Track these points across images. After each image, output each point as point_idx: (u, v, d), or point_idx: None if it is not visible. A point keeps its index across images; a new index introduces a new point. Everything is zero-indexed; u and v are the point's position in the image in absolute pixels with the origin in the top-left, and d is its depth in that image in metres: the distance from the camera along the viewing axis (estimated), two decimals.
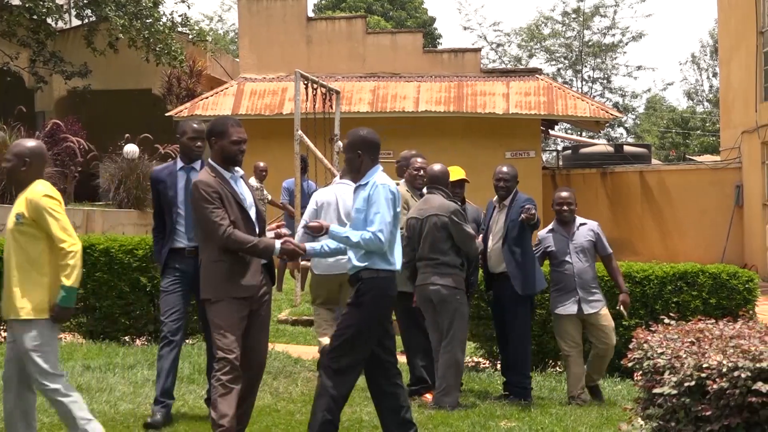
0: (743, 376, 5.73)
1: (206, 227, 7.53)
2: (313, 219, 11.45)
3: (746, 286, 11.93)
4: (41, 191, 7.28)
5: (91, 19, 30.74)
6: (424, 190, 10.83)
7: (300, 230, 10.55)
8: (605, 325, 10.56)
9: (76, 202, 25.53)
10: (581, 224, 10.74)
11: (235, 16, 64.26)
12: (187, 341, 12.68)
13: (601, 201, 29.88)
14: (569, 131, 50.94)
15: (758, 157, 27.14)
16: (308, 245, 8.01)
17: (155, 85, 31.79)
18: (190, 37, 32.06)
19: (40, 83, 30.28)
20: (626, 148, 32.89)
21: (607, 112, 28.90)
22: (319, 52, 29.26)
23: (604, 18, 57.84)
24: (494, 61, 59.44)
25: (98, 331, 12.96)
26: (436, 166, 10.52)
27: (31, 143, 7.58)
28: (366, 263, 7.78)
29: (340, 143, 16.62)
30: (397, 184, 11.74)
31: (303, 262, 11.97)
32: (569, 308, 10.53)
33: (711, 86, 63.69)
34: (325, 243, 8.04)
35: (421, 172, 10.78)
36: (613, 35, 58.46)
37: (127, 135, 23.83)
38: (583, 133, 48.10)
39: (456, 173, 10.93)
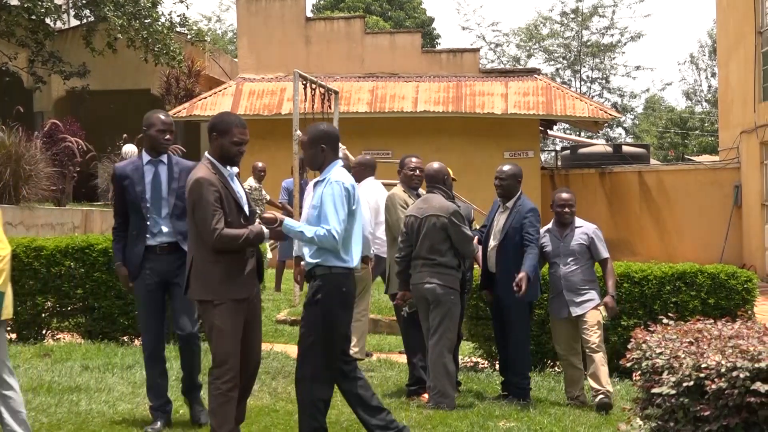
0: (742, 376, 5.74)
1: (201, 227, 7.40)
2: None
3: (745, 286, 11.92)
4: None
5: (89, 19, 30.76)
6: (420, 190, 10.89)
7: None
8: (586, 321, 10.31)
9: (75, 202, 25.53)
10: (577, 227, 10.62)
11: (234, 17, 64.45)
12: None
13: (600, 201, 29.88)
14: (568, 131, 50.97)
15: (757, 157, 27.13)
16: (286, 221, 7.82)
17: (154, 85, 31.81)
18: (189, 37, 32.08)
19: (38, 83, 30.29)
20: (625, 148, 32.87)
21: (605, 113, 28.89)
22: (317, 52, 29.26)
23: (602, 18, 57.96)
24: (493, 61, 59.55)
25: (97, 331, 12.97)
26: (434, 165, 10.55)
27: None
28: (319, 260, 7.74)
29: (339, 144, 16.59)
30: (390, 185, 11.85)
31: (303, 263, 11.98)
32: (560, 312, 10.49)
33: (709, 86, 63.81)
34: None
35: (417, 171, 10.84)
36: (612, 35, 58.59)
37: (125, 135, 23.80)
38: (582, 133, 48.11)
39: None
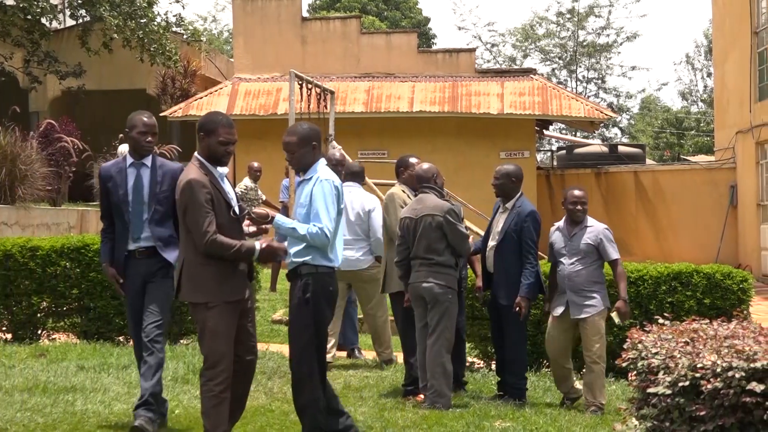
0: (737, 376, 5.74)
1: (192, 229, 7.34)
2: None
3: (740, 286, 11.92)
4: None
5: (85, 19, 30.73)
6: None
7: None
8: (588, 329, 10.15)
9: (71, 202, 25.51)
10: (588, 226, 10.39)
11: (230, 17, 64.28)
12: (181, 341, 12.69)
13: (596, 201, 29.85)
14: (564, 131, 50.94)
15: (752, 157, 27.16)
16: (277, 217, 7.84)
17: (149, 85, 31.79)
18: (185, 37, 32.06)
19: (34, 83, 30.26)
20: (621, 148, 32.90)
21: (601, 113, 28.93)
22: (313, 52, 29.26)
23: (598, 18, 57.92)
24: (489, 61, 59.53)
25: (92, 332, 12.96)
26: (423, 165, 10.56)
27: None
28: (305, 258, 7.72)
29: (335, 143, 16.62)
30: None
31: None
32: (557, 308, 10.32)
33: (705, 86, 63.77)
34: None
35: None
36: (608, 35, 58.55)
37: (121, 135, 23.70)
38: (578, 133, 48.10)
39: None
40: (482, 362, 12.51)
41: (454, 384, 10.47)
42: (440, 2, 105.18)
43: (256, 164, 19.39)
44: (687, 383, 5.92)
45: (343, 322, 12.83)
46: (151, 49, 29.61)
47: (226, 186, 7.65)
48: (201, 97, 28.78)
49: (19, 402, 9.39)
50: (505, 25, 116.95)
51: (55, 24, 31.75)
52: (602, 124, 45.05)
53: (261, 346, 12.81)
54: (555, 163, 34.50)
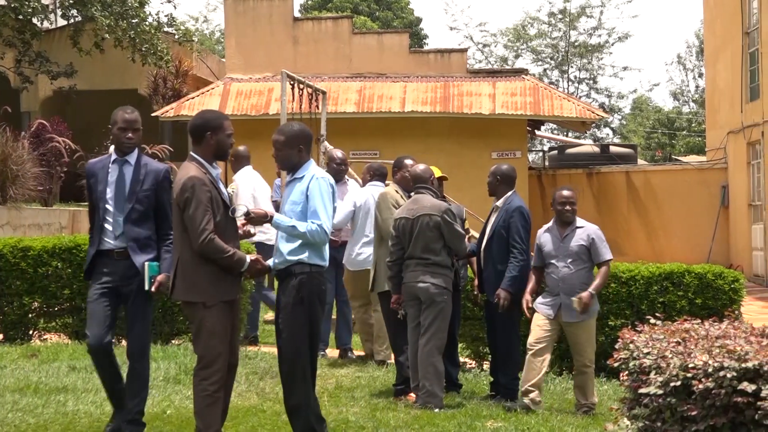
0: (729, 376, 5.75)
1: (191, 227, 7.31)
2: (348, 220, 12.07)
3: (732, 286, 11.94)
4: None
5: (76, 19, 30.67)
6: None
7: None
8: (579, 335, 10.08)
9: (62, 203, 25.48)
10: (579, 227, 10.26)
11: (221, 17, 64.24)
12: (173, 342, 12.68)
13: (587, 201, 29.89)
14: (555, 131, 50.98)
15: (744, 157, 27.20)
16: (276, 216, 7.84)
17: (141, 85, 31.75)
18: (176, 37, 32.02)
19: (25, 83, 30.21)
20: (612, 148, 32.94)
21: (593, 113, 28.95)
22: (305, 52, 29.25)
23: (590, 18, 57.95)
24: (480, 61, 59.54)
25: (84, 332, 12.90)
26: (420, 166, 10.59)
27: None
28: (299, 257, 7.72)
29: (326, 143, 16.61)
30: (387, 185, 11.91)
31: None
32: (546, 309, 10.12)
33: (697, 87, 63.86)
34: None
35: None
36: (599, 36, 58.58)
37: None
38: (569, 134, 48.12)
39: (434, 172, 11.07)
40: (474, 362, 12.52)
41: (449, 385, 10.48)
42: (432, 2, 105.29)
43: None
44: (678, 383, 5.93)
45: (337, 322, 12.85)
46: (143, 49, 29.57)
47: (221, 184, 7.66)
48: (193, 98, 28.75)
49: (11, 402, 9.38)
50: (496, 26, 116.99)
51: (46, 24, 31.69)
52: (594, 125, 45.11)
53: (253, 347, 12.87)
54: (547, 163, 34.50)
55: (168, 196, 8.17)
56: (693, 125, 60.72)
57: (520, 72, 30.06)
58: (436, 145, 26.96)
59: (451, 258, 10.20)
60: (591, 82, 60.86)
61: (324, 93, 19.25)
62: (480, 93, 28.14)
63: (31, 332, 13.22)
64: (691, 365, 5.92)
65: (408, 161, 11.06)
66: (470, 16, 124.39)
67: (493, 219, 10.54)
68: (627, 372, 6.53)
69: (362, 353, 12.95)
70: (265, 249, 12.17)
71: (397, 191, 10.95)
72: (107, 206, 8.20)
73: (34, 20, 29.68)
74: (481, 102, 27.85)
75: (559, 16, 57.68)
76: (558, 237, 10.21)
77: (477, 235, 12.16)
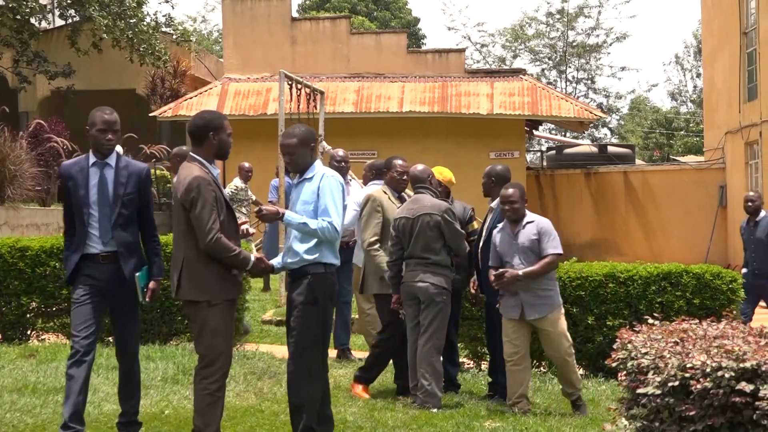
0: (727, 376, 5.75)
1: (198, 226, 7.32)
2: (356, 221, 11.90)
3: (730, 286, 11.94)
4: None
5: (74, 19, 30.68)
6: (405, 193, 10.98)
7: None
8: (551, 332, 9.89)
9: (60, 203, 25.45)
10: (528, 222, 9.96)
11: (219, 17, 64.23)
12: (171, 342, 12.67)
13: (586, 201, 29.94)
14: (553, 131, 51.01)
15: (742, 157, 27.22)
16: (287, 213, 7.87)
17: (139, 85, 31.76)
18: (174, 37, 32.03)
19: (23, 83, 30.20)
20: (610, 148, 32.97)
21: (591, 113, 28.97)
22: (303, 52, 29.26)
23: (588, 19, 57.98)
24: (478, 61, 59.54)
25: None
26: (418, 167, 10.59)
27: None
28: (315, 255, 7.77)
29: (324, 143, 16.61)
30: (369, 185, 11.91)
31: None
32: (511, 312, 9.91)
33: (695, 87, 63.89)
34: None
35: (405, 176, 10.87)
36: (597, 36, 58.62)
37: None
38: (567, 134, 48.14)
39: (445, 173, 11.10)
40: (472, 362, 12.51)
41: (448, 385, 10.48)
42: (430, 3, 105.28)
43: (246, 165, 19.39)
44: (677, 383, 5.93)
45: (336, 323, 12.84)
46: (141, 49, 29.57)
47: (221, 186, 7.68)
48: (191, 98, 28.75)
49: (9, 403, 9.38)
50: (494, 26, 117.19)
51: (44, 24, 31.70)
52: (592, 125, 45.16)
53: (251, 347, 12.87)
54: (545, 163, 34.53)
55: (150, 196, 8.21)
56: (691, 125, 60.74)
57: (518, 72, 30.09)
58: (434, 145, 26.97)
59: (451, 258, 10.20)
60: (589, 82, 60.93)
61: (322, 93, 19.25)
62: (478, 93, 28.16)
63: (29, 332, 13.20)
64: (689, 365, 5.92)
65: (398, 161, 11.00)
66: (468, 16, 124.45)
67: (489, 220, 10.54)
68: (625, 372, 6.53)
69: (363, 354, 12.94)
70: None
71: (385, 192, 10.92)
72: (91, 211, 7.98)
73: (32, 20, 29.68)
74: (479, 102, 27.86)
75: (557, 16, 57.71)
76: (510, 234, 10.02)
77: None
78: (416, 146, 26.50)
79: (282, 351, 12.34)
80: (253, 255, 7.68)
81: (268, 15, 29.41)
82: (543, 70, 59.93)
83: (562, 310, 10.08)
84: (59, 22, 32.74)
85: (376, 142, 27.23)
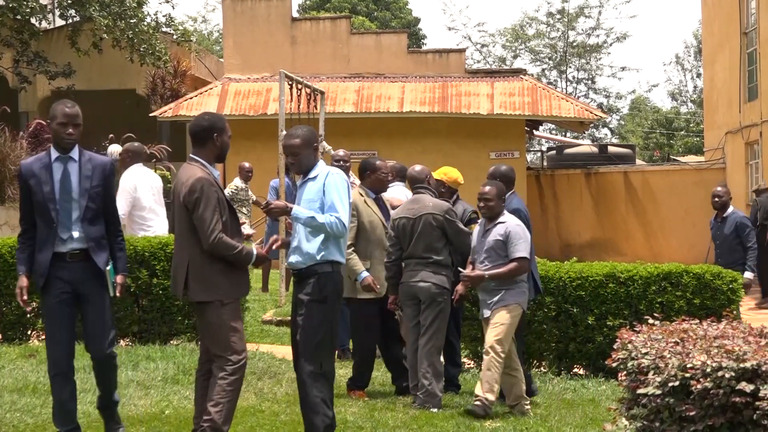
0: (727, 376, 5.75)
1: (200, 227, 7.33)
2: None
3: (730, 286, 11.94)
4: None
5: (74, 19, 30.66)
6: (386, 194, 10.98)
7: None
8: (492, 320, 9.69)
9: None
10: (500, 222, 9.83)
11: (219, 17, 64.22)
12: (171, 342, 12.67)
13: (586, 201, 29.93)
14: (554, 132, 51.01)
15: (742, 157, 27.21)
16: (295, 208, 7.85)
17: (139, 86, 31.74)
18: (175, 37, 32.00)
19: (23, 83, 30.18)
20: (610, 148, 32.97)
21: (591, 113, 28.95)
22: (303, 52, 29.25)
23: (588, 19, 57.93)
24: (479, 61, 59.52)
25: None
26: (416, 167, 10.60)
27: None
28: (323, 253, 7.79)
29: (324, 143, 16.60)
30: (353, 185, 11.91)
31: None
32: (481, 312, 9.94)
33: (695, 87, 63.89)
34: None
35: (390, 176, 10.89)
36: (598, 36, 58.58)
37: (111, 135, 23.73)
38: (568, 134, 48.15)
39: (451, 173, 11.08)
40: (473, 362, 12.51)
41: (448, 385, 10.48)
42: (430, 3, 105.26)
43: (247, 165, 19.39)
44: (677, 383, 5.93)
45: None
46: (141, 49, 29.55)
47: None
48: (191, 98, 28.75)
49: (9, 403, 9.38)
50: (495, 26, 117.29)
51: (44, 24, 31.67)
52: (592, 125, 45.13)
53: (251, 346, 12.84)
54: (545, 163, 34.53)
55: (114, 191, 8.13)
56: (691, 125, 60.73)
57: (519, 72, 30.08)
58: (434, 146, 26.97)
59: (452, 258, 10.20)
60: (589, 82, 60.90)
61: (322, 93, 19.25)
62: (478, 93, 28.15)
63: (29, 332, 13.19)
64: (689, 365, 5.92)
65: (379, 162, 10.89)
66: (468, 16, 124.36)
67: None
68: (625, 372, 6.53)
69: None
70: None
71: (361, 194, 10.70)
72: (57, 207, 7.81)
73: (33, 20, 29.66)
74: (479, 102, 27.85)
75: (558, 17, 57.69)
76: (481, 233, 9.96)
77: None
78: (416, 146, 26.53)
79: (282, 351, 12.34)
80: (254, 247, 7.67)
81: (268, 15, 29.40)
82: (543, 70, 59.96)
83: (516, 312, 9.77)
84: (59, 22, 32.71)
85: (376, 142, 27.23)
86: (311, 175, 7.96)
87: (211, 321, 7.49)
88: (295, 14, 33.44)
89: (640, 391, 6.15)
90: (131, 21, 29.65)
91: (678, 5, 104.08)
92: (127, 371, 10.85)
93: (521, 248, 9.72)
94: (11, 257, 12.77)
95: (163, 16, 31.89)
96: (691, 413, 5.86)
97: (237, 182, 19.30)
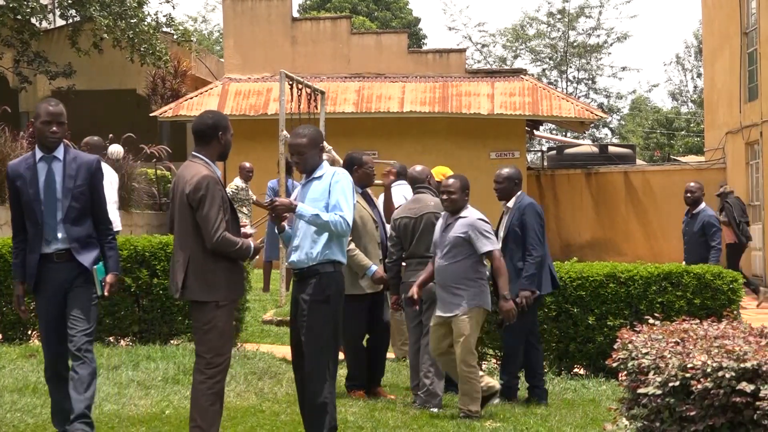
0: (727, 376, 5.75)
1: (205, 226, 7.28)
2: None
3: (730, 286, 11.95)
4: None
5: (75, 19, 30.68)
6: (394, 194, 10.98)
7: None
8: (454, 330, 9.51)
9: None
10: (461, 217, 9.60)
11: (220, 17, 64.20)
12: (172, 342, 12.67)
13: (586, 201, 29.92)
14: (554, 132, 50.98)
15: (742, 157, 27.20)
16: (299, 206, 7.80)
17: (140, 86, 31.75)
18: (175, 37, 32.02)
19: (24, 83, 30.20)
20: (611, 148, 32.95)
21: (591, 113, 28.95)
22: (304, 52, 29.25)
23: (589, 19, 57.90)
24: (479, 61, 59.48)
25: None
26: (417, 167, 10.65)
27: None
28: (326, 253, 7.77)
29: (325, 144, 16.58)
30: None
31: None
32: (437, 309, 9.70)
33: (695, 87, 63.83)
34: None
35: (374, 170, 10.79)
36: (598, 36, 58.54)
37: (111, 135, 23.75)
38: (568, 134, 48.11)
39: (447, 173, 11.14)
40: None
41: (449, 385, 10.47)
42: (430, 3, 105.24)
43: (248, 165, 19.40)
44: (677, 383, 5.93)
45: None
46: (141, 49, 29.57)
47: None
48: (191, 98, 28.75)
49: (9, 403, 9.38)
50: (495, 26, 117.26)
51: (44, 24, 31.69)
52: (592, 125, 45.13)
53: (251, 347, 12.88)
54: (545, 163, 34.51)
55: (102, 188, 7.95)
56: (691, 125, 60.70)
57: (519, 72, 30.07)
58: (435, 146, 26.97)
59: None
60: (590, 82, 60.87)
61: (323, 93, 19.26)
62: (478, 93, 28.14)
63: (29, 332, 13.20)
64: (689, 365, 5.92)
65: (365, 156, 10.84)
66: (469, 16, 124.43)
67: (505, 220, 10.48)
68: (625, 372, 6.53)
69: None
70: None
71: None
72: (42, 208, 7.72)
73: (33, 20, 29.67)
74: (479, 102, 27.85)
75: (558, 17, 57.66)
76: (443, 226, 9.75)
77: None
78: (417, 146, 26.53)
79: (282, 351, 12.35)
80: (251, 241, 7.62)
81: (268, 15, 29.40)
82: (544, 70, 59.92)
83: (478, 315, 9.60)
84: (60, 22, 32.73)
85: (376, 142, 27.23)
86: (316, 174, 7.95)
87: (203, 321, 7.42)
88: (296, 14, 33.44)
89: (641, 391, 6.15)
90: (131, 21, 29.67)
91: (678, 5, 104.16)
92: (128, 371, 10.86)
93: (488, 243, 9.53)
94: (11, 257, 12.77)
95: (164, 16, 31.95)
96: (692, 413, 5.86)
97: (237, 182, 19.31)
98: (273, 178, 19.35)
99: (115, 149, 22.19)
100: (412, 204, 10.32)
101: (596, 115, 29.91)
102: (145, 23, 30.18)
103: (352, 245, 10.23)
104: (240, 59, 29.30)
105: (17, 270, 7.92)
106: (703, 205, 14.22)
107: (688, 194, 14.35)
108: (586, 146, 36.61)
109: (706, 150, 32.99)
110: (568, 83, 59.46)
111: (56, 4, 30.62)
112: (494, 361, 12.45)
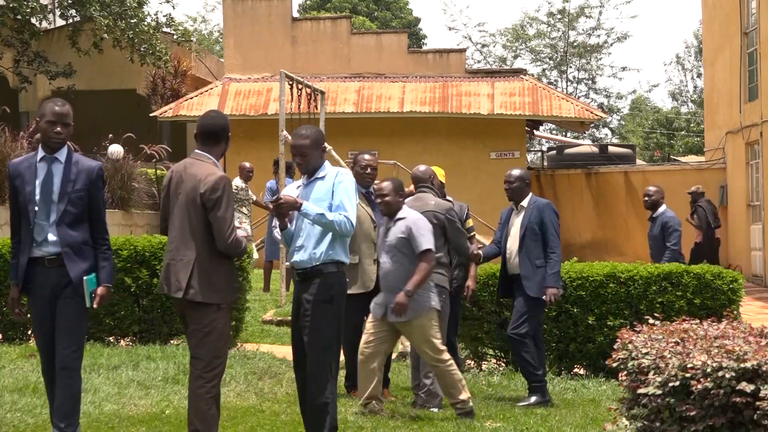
0: (727, 376, 5.74)
1: (220, 227, 7.22)
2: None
3: (730, 286, 11.94)
4: None
5: (75, 19, 30.71)
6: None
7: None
8: (415, 335, 9.42)
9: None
10: (400, 218, 9.45)
11: (219, 17, 64.26)
12: (172, 342, 12.67)
13: (586, 201, 29.93)
14: (554, 132, 50.99)
15: (742, 157, 27.20)
16: (304, 204, 7.71)
17: (140, 86, 31.76)
18: (175, 37, 32.03)
19: (24, 83, 30.22)
20: (611, 148, 32.96)
21: (591, 113, 28.96)
22: (304, 52, 29.27)
23: (589, 19, 57.92)
24: (479, 61, 59.50)
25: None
26: (420, 167, 10.67)
27: None
28: (330, 252, 7.75)
29: (325, 144, 16.58)
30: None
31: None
32: (376, 309, 9.50)
33: (695, 87, 63.83)
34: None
35: (369, 170, 10.54)
36: (598, 36, 58.57)
37: (111, 135, 23.77)
38: (568, 134, 48.13)
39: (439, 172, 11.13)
40: (473, 362, 12.51)
41: None
42: (430, 3, 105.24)
43: (248, 165, 19.39)
44: (677, 383, 5.92)
45: None
46: (142, 49, 29.59)
47: None
48: (191, 98, 28.76)
49: (9, 403, 9.38)
50: (495, 26, 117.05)
51: (45, 24, 31.71)
52: (592, 125, 45.11)
53: (251, 346, 12.88)
54: (545, 163, 34.52)
55: (102, 196, 7.79)
56: (692, 125, 60.71)
57: (519, 72, 30.08)
58: (435, 146, 27.00)
59: (451, 257, 10.23)
60: (590, 82, 60.88)
61: (323, 93, 19.27)
62: (478, 93, 28.16)
63: (29, 332, 13.19)
64: (689, 365, 5.92)
65: (366, 157, 10.76)
66: (469, 16, 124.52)
67: (519, 219, 10.47)
68: (625, 372, 6.52)
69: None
70: None
71: None
72: (36, 208, 7.51)
73: (33, 20, 29.69)
74: (479, 102, 27.86)
75: (558, 17, 57.67)
76: (384, 231, 9.64)
77: (477, 235, 12.16)
78: (417, 146, 26.56)
79: (282, 351, 12.35)
80: (241, 234, 7.52)
81: (268, 15, 29.42)
82: (544, 70, 59.94)
83: (434, 315, 9.45)
84: (60, 22, 32.75)
85: (376, 142, 27.21)
86: (319, 174, 7.93)
87: (204, 323, 7.36)
88: (296, 14, 33.46)
89: (641, 391, 6.15)
90: (132, 21, 29.70)
91: (678, 5, 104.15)
92: (128, 371, 10.86)
93: (425, 241, 9.32)
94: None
95: (164, 16, 32.01)
96: (692, 413, 5.86)
97: (237, 182, 19.30)
98: (269, 179, 19.38)
99: (115, 149, 22.19)
100: (413, 202, 10.33)
101: (596, 115, 29.92)
102: (145, 23, 30.22)
103: None
104: (240, 59, 29.32)
105: (13, 270, 7.74)
106: (663, 207, 14.10)
107: (646, 198, 14.20)
108: (586, 146, 36.63)
109: (706, 150, 33.00)
110: (568, 83, 59.49)
111: (56, 4, 30.64)
112: (494, 361, 12.46)
